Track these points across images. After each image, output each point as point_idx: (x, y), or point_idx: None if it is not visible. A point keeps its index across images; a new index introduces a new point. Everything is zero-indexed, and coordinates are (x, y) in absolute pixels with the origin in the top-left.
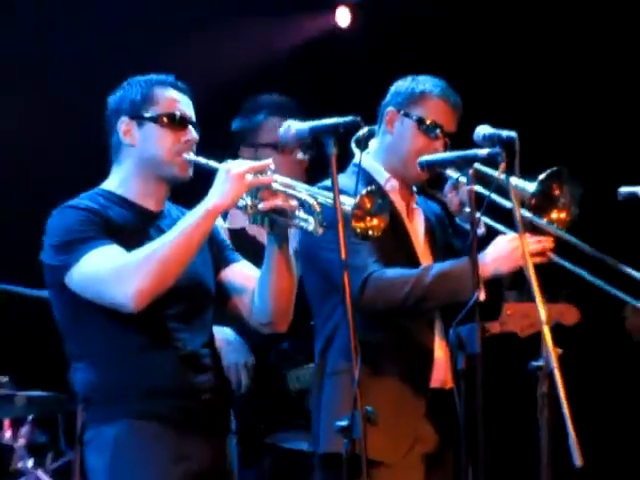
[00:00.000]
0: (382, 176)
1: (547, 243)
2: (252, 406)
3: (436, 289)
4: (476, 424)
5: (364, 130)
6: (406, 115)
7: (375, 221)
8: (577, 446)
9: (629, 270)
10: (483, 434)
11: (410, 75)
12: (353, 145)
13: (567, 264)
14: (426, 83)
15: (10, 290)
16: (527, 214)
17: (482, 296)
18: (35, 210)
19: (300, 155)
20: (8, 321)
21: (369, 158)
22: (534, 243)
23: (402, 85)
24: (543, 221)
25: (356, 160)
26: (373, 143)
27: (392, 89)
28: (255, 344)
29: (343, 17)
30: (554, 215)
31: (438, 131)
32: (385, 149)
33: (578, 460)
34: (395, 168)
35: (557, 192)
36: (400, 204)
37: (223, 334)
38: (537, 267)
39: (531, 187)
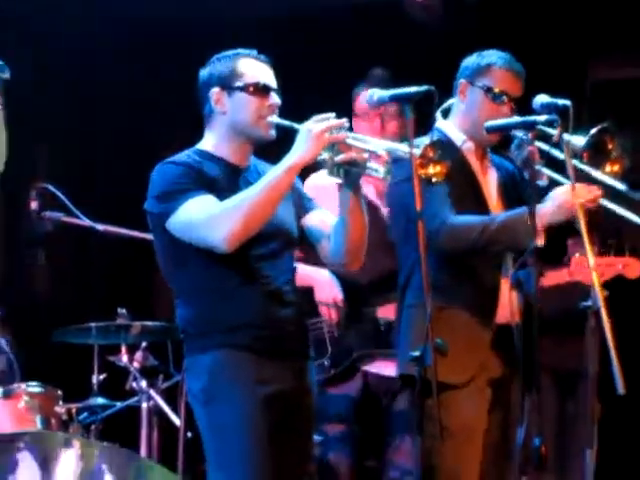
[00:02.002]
0: (459, 139)
1: (597, 191)
2: (345, 337)
3: (500, 235)
4: (532, 358)
5: (450, 101)
6: (475, 85)
7: (438, 168)
8: (620, 375)
9: None
10: (538, 367)
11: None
12: (438, 114)
13: (617, 208)
14: (491, 56)
15: (127, 234)
16: (584, 167)
17: (540, 242)
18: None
19: (393, 122)
20: (127, 262)
21: (448, 124)
22: (586, 192)
23: (470, 59)
24: (598, 173)
25: (437, 125)
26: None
27: (462, 64)
28: (348, 284)
29: None
30: (607, 167)
31: (504, 97)
32: (460, 116)
33: (621, 388)
34: (469, 132)
35: (610, 146)
36: (475, 163)
37: (318, 274)
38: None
39: (582, 142)
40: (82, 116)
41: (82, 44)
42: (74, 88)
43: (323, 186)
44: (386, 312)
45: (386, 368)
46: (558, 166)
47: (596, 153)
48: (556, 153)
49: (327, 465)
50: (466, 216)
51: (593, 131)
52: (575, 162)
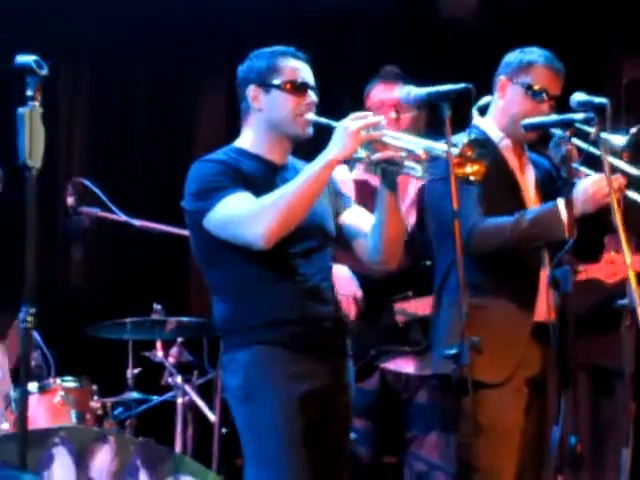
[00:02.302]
0: (497, 136)
1: (621, 180)
2: (364, 333)
3: (532, 231)
4: (568, 356)
5: (486, 99)
6: (516, 82)
7: (475, 167)
8: None
9: None
10: (574, 365)
11: (519, 48)
12: (475, 111)
13: (637, 196)
14: (533, 53)
15: (164, 230)
16: (621, 165)
17: (573, 235)
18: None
19: (393, 115)
20: (163, 257)
21: (486, 121)
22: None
23: (512, 56)
24: (636, 172)
25: (475, 122)
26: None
27: (503, 60)
28: (365, 281)
29: None
30: None
31: (544, 95)
32: (498, 113)
33: None
34: (507, 129)
35: None
36: (513, 160)
37: (337, 270)
38: None
39: (622, 141)
40: (119, 112)
41: (115, 42)
42: (109, 83)
43: (341, 180)
44: (404, 307)
45: (405, 365)
46: (595, 164)
47: (636, 152)
48: (594, 151)
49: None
50: (496, 217)
51: (633, 130)
52: (612, 160)
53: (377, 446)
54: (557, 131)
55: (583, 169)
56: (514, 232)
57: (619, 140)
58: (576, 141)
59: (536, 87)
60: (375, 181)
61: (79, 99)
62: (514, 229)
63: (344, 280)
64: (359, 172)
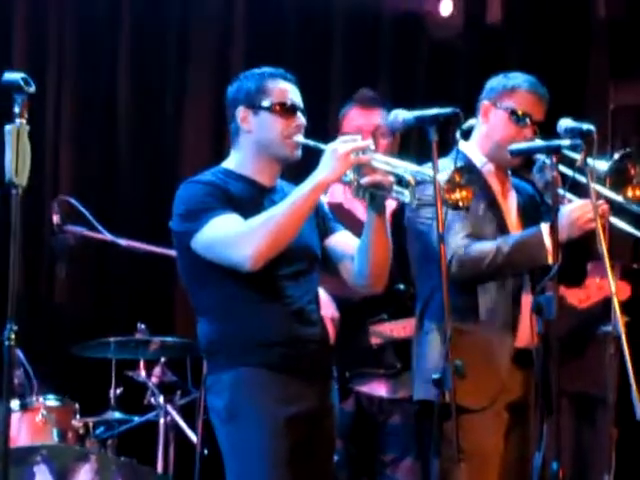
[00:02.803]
0: (480, 160)
1: (604, 206)
2: (339, 355)
3: (514, 257)
4: (551, 382)
5: (470, 122)
6: (499, 107)
7: (464, 192)
8: (639, 400)
9: None
10: (557, 391)
11: (502, 72)
12: (458, 135)
13: (624, 225)
14: (517, 78)
15: (149, 250)
16: (606, 192)
17: (554, 260)
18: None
19: (384, 141)
20: (148, 277)
21: (469, 145)
22: (593, 207)
23: (495, 81)
24: (620, 197)
25: (458, 146)
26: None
27: (487, 85)
28: (341, 303)
29: (446, 7)
30: (630, 192)
31: (527, 120)
32: (482, 137)
33: None
34: (491, 154)
35: (632, 171)
36: (496, 185)
37: None
38: None
39: (606, 167)
40: (104, 130)
41: (101, 54)
42: (94, 101)
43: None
44: (379, 331)
45: (378, 388)
46: (579, 190)
47: (619, 178)
48: (579, 177)
49: None
50: (478, 243)
51: (616, 156)
52: (597, 187)
53: (353, 468)
54: (542, 157)
55: (568, 195)
56: (497, 258)
57: (603, 166)
58: (561, 167)
59: (520, 112)
60: (350, 204)
61: (63, 116)
62: (497, 255)
63: (322, 302)
64: (333, 195)
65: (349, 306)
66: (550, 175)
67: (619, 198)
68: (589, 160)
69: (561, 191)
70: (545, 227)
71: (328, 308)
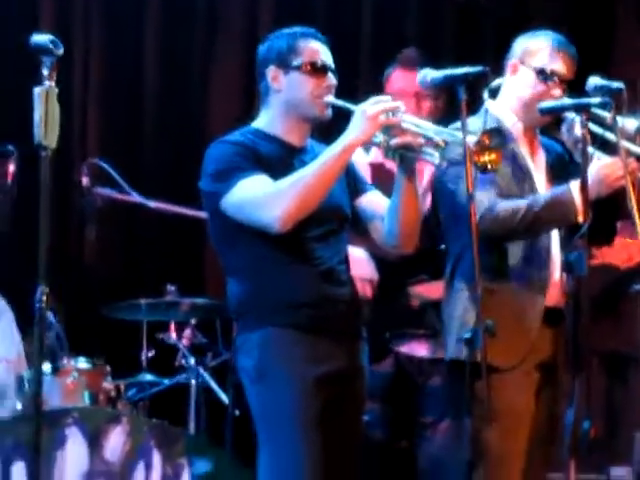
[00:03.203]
0: (509, 120)
1: (634, 163)
2: (379, 316)
3: (545, 215)
4: (581, 340)
5: (497, 81)
6: (527, 65)
7: (493, 155)
8: None
9: None
10: (587, 349)
11: (529, 31)
12: (485, 94)
13: None
14: (545, 36)
15: (179, 211)
16: (637, 150)
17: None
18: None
19: (427, 103)
20: (177, 239)
21: (498, 104)
22: (622, 165)
23: (522, 39)
24: None
25: (485, 106)
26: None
27: (514, 44)
28: (381, 263)
29: None
30: None
31: (556, 79)
32: (510, 96)
33: None
34: (519, 112)
35: None
36: (524, 144)
37: (354, 251)
38: None
39: (636, 125)
40: (132, 92)
41: (128, 16)
42: (122, 63)
43: (357, 163)
44: (419, 291)
45: (419, 348)
46: (609, 149)
47: None
48: (608, 135)
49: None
50: (509, 201)
51: None
52: (627, 144)
53: (391, 430)
54: (571, 115)
55: (597, 153)
56: (527, 216)
57: (632, 124)
58: (591, 125)
59: (548, 70)
60: (391, 164)
61: (91, 78)
62: (527, 213)
63: (361, 263)
64: (375, 155)
65: (389, 266)
66: (579, 133)
67: None
68: (619, 118)
69: (591, 149)
70: (575, 185)
71: (368, 269)
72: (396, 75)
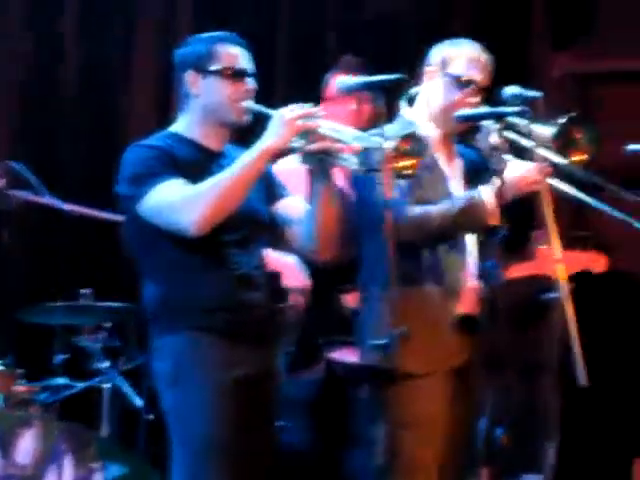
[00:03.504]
0: (426, 127)
1: (548, 168)
2: (311, 322)
3: (458, 220)
4: (496, 347)
5: (415, 88)
6: (444, 73)
7: (410, 161)
8: (582, 367)
9: None
10: (502, 356)
11: (446, 39)
12: (403, 101)
13: (568, 188)
14: (461, 45)
15: (94, 214)
16: (551, 156)
17: (497, 222)
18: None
19: (353, 106)
20: (92, 242)
21: (415, 112)
22: (537, 169)
23: (440, 47)
24: (565, 161)
25: (403, 113)
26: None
27: (432, 51)
28: (314, 270)
29: None
30: (574, 157)
31: (473, 86)
32: (427, 104)
33: (583, 380)
34: (436, 120)
35: (577, 135)
36: (441, 151)
37: (286, 259)
38: None
39: (551, 132)
40: (49, 97)
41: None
42: (38, 66)
43: (294, 169)
44: (352, 299)
45: (351, 355)
46: (525, 156)
47: (564, 143)
48: (524, 143)
49: (291, 452)
50: (422, 207)
51: (561, 121)
52: (542, 151)
53: (318, 436)
54: (488, 123)
55: (513, 160)
56: (441, 221)
57: (548, 131)
58: (507, 133)
59: (464, 78)
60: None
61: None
62: (441, 218)
63: (293, 269)
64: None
65: (321, 272)
66: (495, 141)
67: (564, 162)
68: (534, 126)
69: (506, 157)
70: (487, 189)
71: (299, 276)
72: (336, 80)
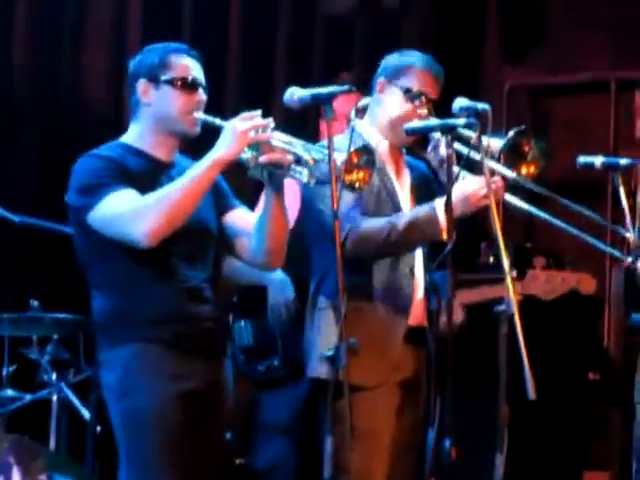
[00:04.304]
0: (375, 138)
1: (499, 182)
2: (295, 338)
3: (409, 233)
4: (445, 359)
5: (364, 100)
6: (394, 85)
7: (361, 174)
8: (532, 380)
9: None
10: (451, 368)
11: (399, 50)
12: (352, 113)
13: (518, 202)
14: (412, 56)
15: (43, 226)
16: (500, 169)
17: (449, 237)
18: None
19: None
20: (41, 253)
21: (364, 123)
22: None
23: (391, 59)
24: (514, 174)
25: (352, 125)
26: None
27: (382, 63)
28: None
29: None
30: (523, 169)
31: (422, 98)
32: (377, 116)
33: (532, 393)
34: (385, 132)
35: (526, 148)
36: (390, 163)
37: (272, 274)
38: None
39: (500, 144)
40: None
41: None
42: None
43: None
44: None
45: None
46: (474, 169)
47: (513, 155)
48: (474, 155)
49: (269, 469)
50: (374, 219)
51: (511, 133)
52: (492, 164)
53: (303, 453)
54: (437, 135)
55: (462, 173)
56: (390, 235)
57: (497, 144)
58: (456, 145)
59: (415, 90)
60: None
61: None
62: (391, 231)
63: (278, 283)
64: None
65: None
66: (445, 153)
67: (513, 175)
68: (484, 138)
69: (456, 169)
70: (439, 203)
71: (283, 291)
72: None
